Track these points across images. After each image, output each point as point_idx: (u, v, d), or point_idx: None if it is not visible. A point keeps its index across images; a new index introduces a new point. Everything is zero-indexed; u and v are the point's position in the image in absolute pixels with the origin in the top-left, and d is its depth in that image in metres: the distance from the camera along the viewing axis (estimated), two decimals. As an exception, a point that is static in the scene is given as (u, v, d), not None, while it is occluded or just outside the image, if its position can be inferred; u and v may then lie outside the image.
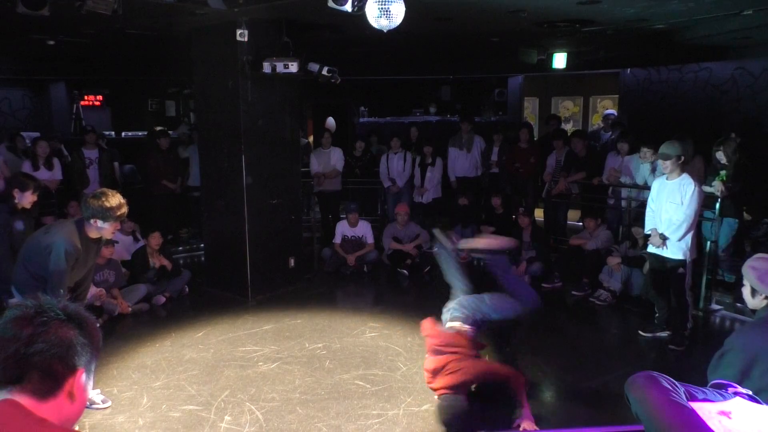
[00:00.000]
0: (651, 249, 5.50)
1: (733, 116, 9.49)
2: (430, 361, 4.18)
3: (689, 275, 5.37)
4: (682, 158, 5.23)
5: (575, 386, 4.66)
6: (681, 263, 5.30)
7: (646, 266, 6.32)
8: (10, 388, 1.25)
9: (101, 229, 4.05)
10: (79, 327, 1.32)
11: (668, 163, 5.23)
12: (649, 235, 5.52)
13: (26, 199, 4.94)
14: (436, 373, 4.11)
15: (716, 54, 9.29)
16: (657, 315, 5.64)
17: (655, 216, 5.45)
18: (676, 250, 5.30)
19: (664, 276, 5.48)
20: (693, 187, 5.16)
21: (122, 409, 4.25)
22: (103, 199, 3.97)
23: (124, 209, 4.06)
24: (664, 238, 5.31)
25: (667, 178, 5.34)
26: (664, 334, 5.54)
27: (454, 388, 4.02)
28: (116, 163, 9.24)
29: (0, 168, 7.39)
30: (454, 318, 4.30)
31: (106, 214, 3.97)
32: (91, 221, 4.00)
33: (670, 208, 5.28)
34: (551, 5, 5.80)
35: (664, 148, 5.28)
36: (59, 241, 3.96)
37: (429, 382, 4.21)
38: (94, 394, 4.25)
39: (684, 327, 5.37)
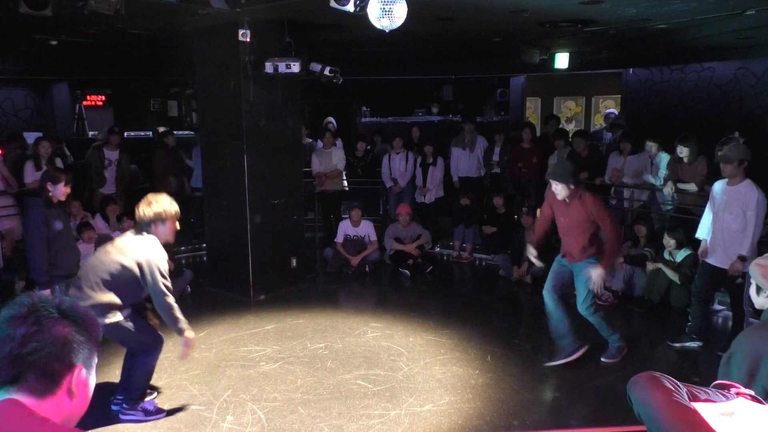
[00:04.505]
0: (711, 261, 5.05)
1: (735, 116, 9.48)
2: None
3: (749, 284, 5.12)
4: (745, 162, 4.76)
5: (577, 386, 4.66)
6: (740, 273, 4.91)
7: (648, 266, 6.32)
8: (7, 387, 1.25)
9: (163, 230, 4.06)
10: (75, 323, 1.30)
11: (729, 167, 4.75)
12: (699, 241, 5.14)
13: (60, 192, 4.92)
14: None
15: (719, 54, 9.28)
16: (690, 324, 5.29)
17: (711, 222, 5.00)
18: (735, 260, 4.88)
19: (717, 285, 5.22)
20: (756, 194, 4.73)
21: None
22: (154, 204, 4.01)
23: (175, 206, 4.11)
24: (743, 259, 4.74)
25: (727, 183, 4.90)
26: (695, 344, 5.25)
27: None
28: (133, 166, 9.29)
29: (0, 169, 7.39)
30: None
31: (162, 215, 4.01)
32: (152, 227, 4.02)
33: (728, 217, 4.86)
34: (553, 5, 5.80)
35: (726, 151, 4.83)
36: (153, 256, 3.95)
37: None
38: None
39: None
